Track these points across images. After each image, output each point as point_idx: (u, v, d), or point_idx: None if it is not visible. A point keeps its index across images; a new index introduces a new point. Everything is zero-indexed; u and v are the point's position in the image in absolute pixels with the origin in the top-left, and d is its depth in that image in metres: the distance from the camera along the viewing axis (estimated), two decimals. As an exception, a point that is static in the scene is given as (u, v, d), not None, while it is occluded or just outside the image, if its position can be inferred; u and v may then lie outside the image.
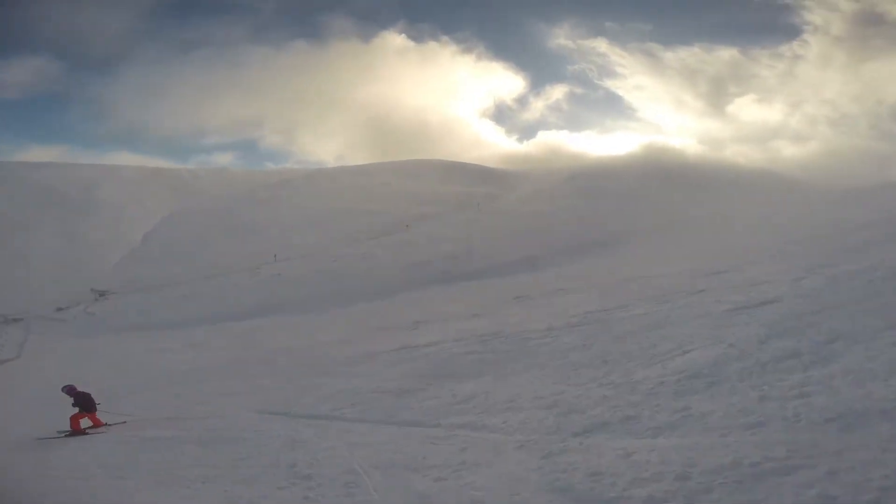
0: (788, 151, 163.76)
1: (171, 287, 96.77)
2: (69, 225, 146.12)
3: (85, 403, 9.24)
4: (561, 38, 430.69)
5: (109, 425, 9.16)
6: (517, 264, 63.05)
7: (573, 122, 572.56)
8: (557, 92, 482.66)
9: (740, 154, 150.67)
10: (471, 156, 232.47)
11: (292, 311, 57.65)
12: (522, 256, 67.83)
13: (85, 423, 9.04)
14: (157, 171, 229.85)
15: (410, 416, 7.77)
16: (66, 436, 8.84)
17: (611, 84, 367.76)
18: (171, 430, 8.47)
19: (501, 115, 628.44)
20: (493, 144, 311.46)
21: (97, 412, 9.30)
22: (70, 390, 9.37)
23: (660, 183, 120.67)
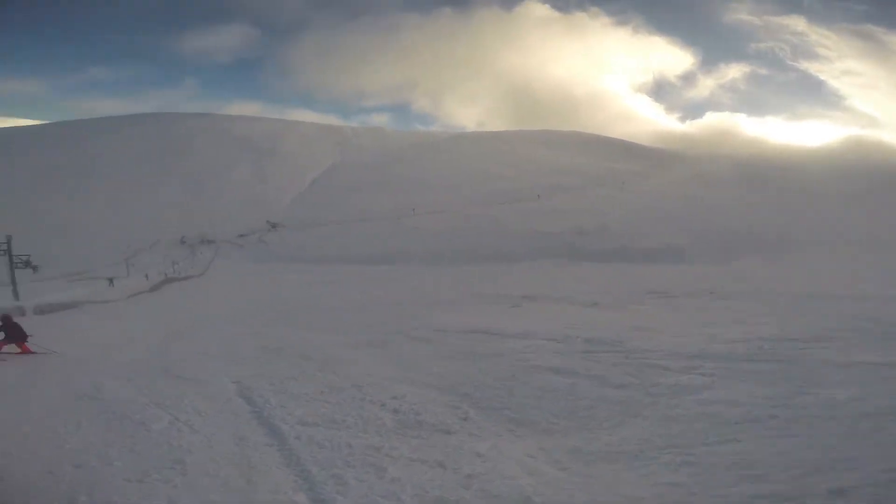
0: None
1: (327, 227, 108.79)
2: (257, 168, 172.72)
3: (12, 333, 9.34)
4: (742, 13, 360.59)
5: (37, 353, 9.19)
6: (658, 252, 55.37)
7: (752, 105, 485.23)
8: (734, 71, 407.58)
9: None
10: (617, 131, 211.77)
11: (421, 261, 59.90)
12: (665, 244, 59.30)
13: (10, 349, 9.13)
14: (326, 127, 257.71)
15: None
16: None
17: (809, 66, 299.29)
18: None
19: (661, 91, 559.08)
20: (646, 121, 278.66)
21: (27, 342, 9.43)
22: (3, 318, 9.53)
23: (866, 183, 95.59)
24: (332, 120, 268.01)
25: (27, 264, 25.58)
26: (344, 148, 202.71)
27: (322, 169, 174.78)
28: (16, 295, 23.46)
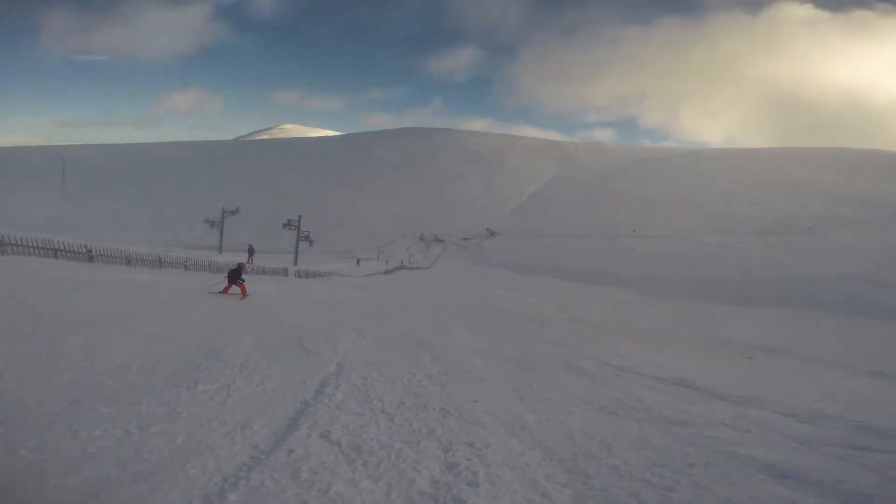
0: None
1: (539, 238, 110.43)
2: (485, 179, 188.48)
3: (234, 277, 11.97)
4: None
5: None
6: None
7: None
8: None
9: None
10: None
11: (632, 286, 54.00)
12: None
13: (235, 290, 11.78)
14: (547, 142, 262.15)
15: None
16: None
17: None
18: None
19: None
20: None
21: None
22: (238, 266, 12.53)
23: None
24: (553, 135, 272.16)
25: (307, 238, 33.64)
26: (564, 163, 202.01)
27: (542, 182, 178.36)
28: (295, 260, 30.39)
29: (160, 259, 14.49)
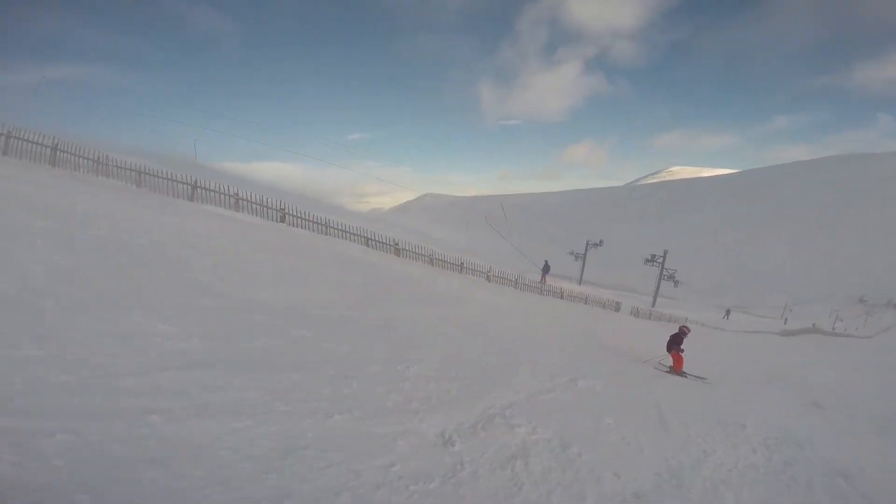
0: None
1: None
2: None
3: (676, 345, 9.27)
4: None
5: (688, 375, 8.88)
6: None
7: None
8: None
9: None
10: None
11: None
12: None
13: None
14: None
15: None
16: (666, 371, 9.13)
17: None
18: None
19: None
20: None
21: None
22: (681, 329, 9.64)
23: None
24: None
25: (671, 278, 29.23)
26: None
27: None
28: (653, 300, 26.94)
29: (461, 264, 15.52)
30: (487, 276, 14.97)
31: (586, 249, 33.89)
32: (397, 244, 14.20)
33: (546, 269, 21.00)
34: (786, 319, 54.70)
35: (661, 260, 29.64)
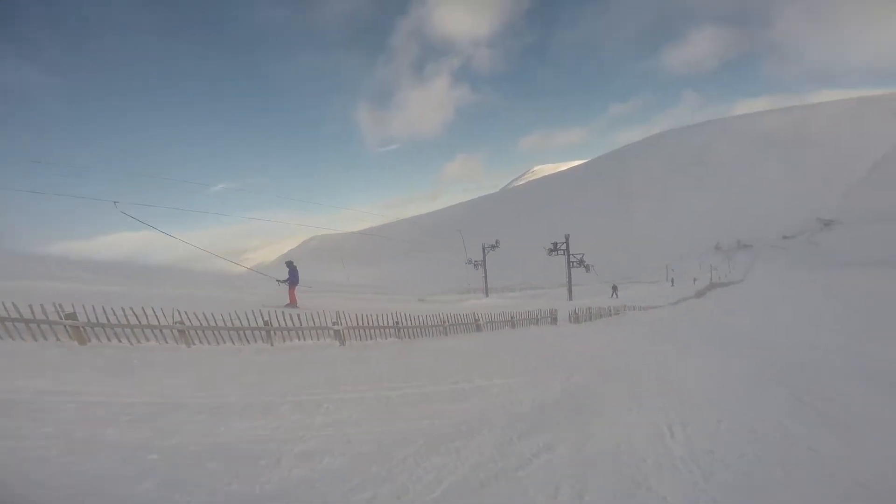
0: None
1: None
2: (787, 163, 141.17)
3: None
4: None
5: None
6: None
7: None
8: None
9: None
10: None
11: None
12: None
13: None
14: (865, 100, 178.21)
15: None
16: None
17: None
18: None
19: None
20: None
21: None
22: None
23: None
24: (864, 92, 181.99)
25: (581, 263, 26.57)
26: None
27: (881, 149, 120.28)
28: (569, 293, 23.54)
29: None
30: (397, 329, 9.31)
31: (484, 254, 30.08)
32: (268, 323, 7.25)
33: (292, 278, 11.36)
34: (672, 280, 57.80)
35: (564, 247, 26.86)
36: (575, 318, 13.70)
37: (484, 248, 30.51)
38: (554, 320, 13.13)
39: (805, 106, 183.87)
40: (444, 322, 10.39)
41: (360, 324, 8.71)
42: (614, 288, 33.20)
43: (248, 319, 7.48)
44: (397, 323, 9.37)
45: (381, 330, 9.04)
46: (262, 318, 7.62)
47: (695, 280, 54.83)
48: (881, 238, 62.65)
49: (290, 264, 12.14)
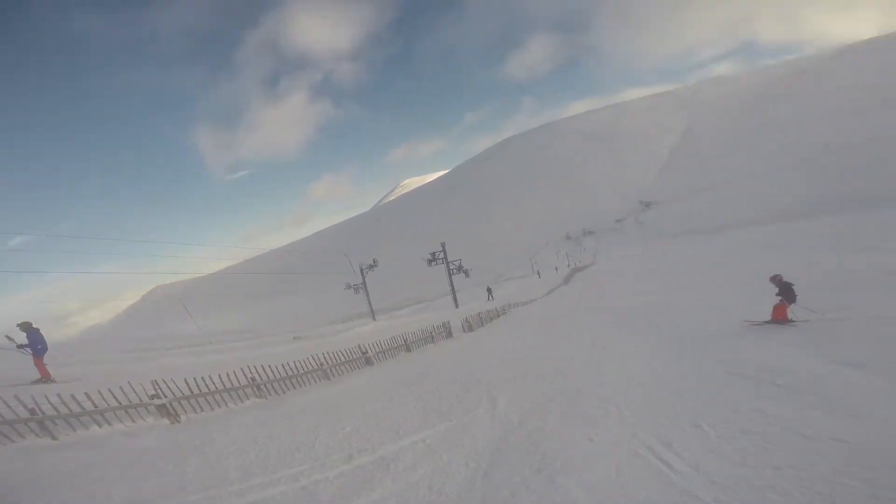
0: None
1: (707, 191, 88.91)
2: (612, 154, 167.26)
3: (787, 294, 7.72)
4: None
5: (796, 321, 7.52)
6: None
7: None
8: None
9: None
10: None
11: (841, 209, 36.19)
12: None
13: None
14: (659, 96, 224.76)
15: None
16: (766, 323, 7.93)
17: None
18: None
19: None
20: None
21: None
22: (776, 280, 7.95)
23: None
24: (663, 87, 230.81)
25: (461, 270, 26.53)
26: (691, 110, 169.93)
27: (676, 136, 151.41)
28: (454, 300, 23.17)
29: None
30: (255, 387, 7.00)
31: (364, 276, 28.19)
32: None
33: (34, 347, 8.46)
34: (538, 273, 62.86)
35: (442, 256, 26.53)
36: (468, 327, 12.99)
37: (362, 270, 28.62)
38: (449, 333, 12.19)
39: (618, 104, 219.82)
40: (324, 363, 8.55)
41: (198, 390, 6.44)
42: (489, 290, 33.10)
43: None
44: (253, 379, 7.26)
45: (233, 393, 6.86)
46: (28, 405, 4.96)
47: (556, 269, 60.36)
48: (685, 212, 77.14)
49: (26, 326, 8.64)
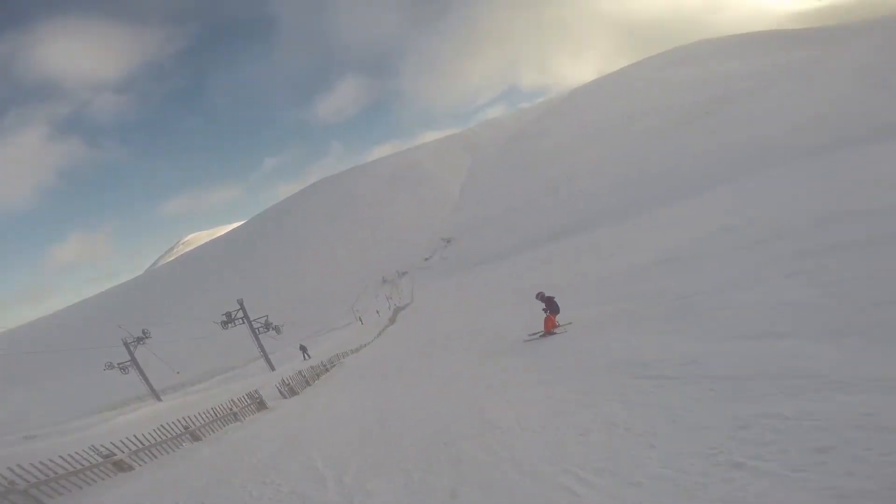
0: None
1: (491, 223, 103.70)
2: (412, 196, 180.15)
3: (551, 306, 9.27)
4: None
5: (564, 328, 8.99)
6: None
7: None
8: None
9: None
10: (748, 27, 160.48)
11: (595, 226, 48.06)
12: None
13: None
14: (447, 139, 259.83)
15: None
16: (540, 336, 9.13)
17: None
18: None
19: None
20: (769, 10, 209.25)
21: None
22: (540, 296, 9.49)
23: None
24: (451, 131, 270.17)
25: (268, 326, 23.05)
26: (474, 151, 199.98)
27: (463, 175, 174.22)
28: (268, 362, 19.97)
29: None
30: None
31: (132, 352, 21.68)
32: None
33: None
34: (360, 318, 61.32)
35: (241, 315, 22.63)
36: (289, 389, 10.73)
37: (128, 345, 22.17)
38: (261, 404, 9.75)
39: (416, 147, 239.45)
40: (36, 482, 5.41)
41: None
42: (303, 349, 28.31)
43: None
44: None
45: None
46: None
47: (378, 312, 59.98)
48: (477, 243, 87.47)
49: None
